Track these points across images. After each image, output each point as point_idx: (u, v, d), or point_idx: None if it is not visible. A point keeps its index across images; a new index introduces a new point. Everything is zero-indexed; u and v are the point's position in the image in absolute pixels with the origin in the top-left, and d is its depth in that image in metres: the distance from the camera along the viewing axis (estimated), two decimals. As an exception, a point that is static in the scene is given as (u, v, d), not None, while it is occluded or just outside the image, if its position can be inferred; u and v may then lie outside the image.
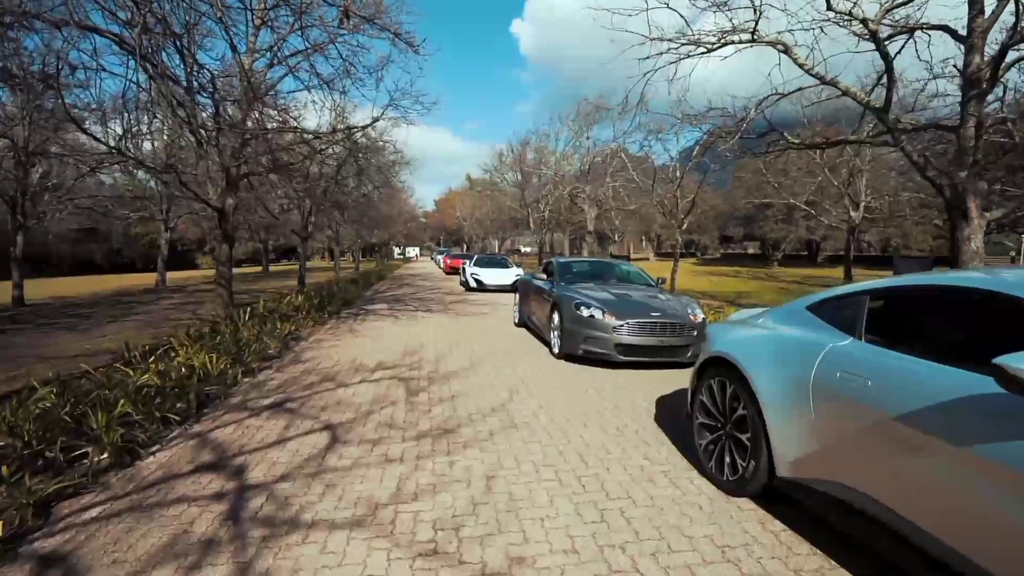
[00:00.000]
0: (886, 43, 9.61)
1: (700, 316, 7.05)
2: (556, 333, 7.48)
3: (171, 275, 36.30)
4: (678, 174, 18.15)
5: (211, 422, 4.92)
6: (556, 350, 7.45)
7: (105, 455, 4.04)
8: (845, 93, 9.62)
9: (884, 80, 10.50)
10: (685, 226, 18.86)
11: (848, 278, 25.05)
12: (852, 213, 24.10)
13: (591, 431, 4.43)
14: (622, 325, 6.57)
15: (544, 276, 9.05)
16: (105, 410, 4.59)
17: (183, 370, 6.33)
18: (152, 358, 6.72)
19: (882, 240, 43.27)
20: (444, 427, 4.56)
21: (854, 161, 23.53)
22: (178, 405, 5.25)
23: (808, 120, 20.97)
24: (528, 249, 73.49)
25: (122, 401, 4.87)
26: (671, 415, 4.91)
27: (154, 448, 4.31)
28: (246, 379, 6.59)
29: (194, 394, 5.44)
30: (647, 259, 60.32)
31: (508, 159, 39.24)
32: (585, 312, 6.86)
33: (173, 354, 7.10)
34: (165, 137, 16.81)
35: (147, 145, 19.78)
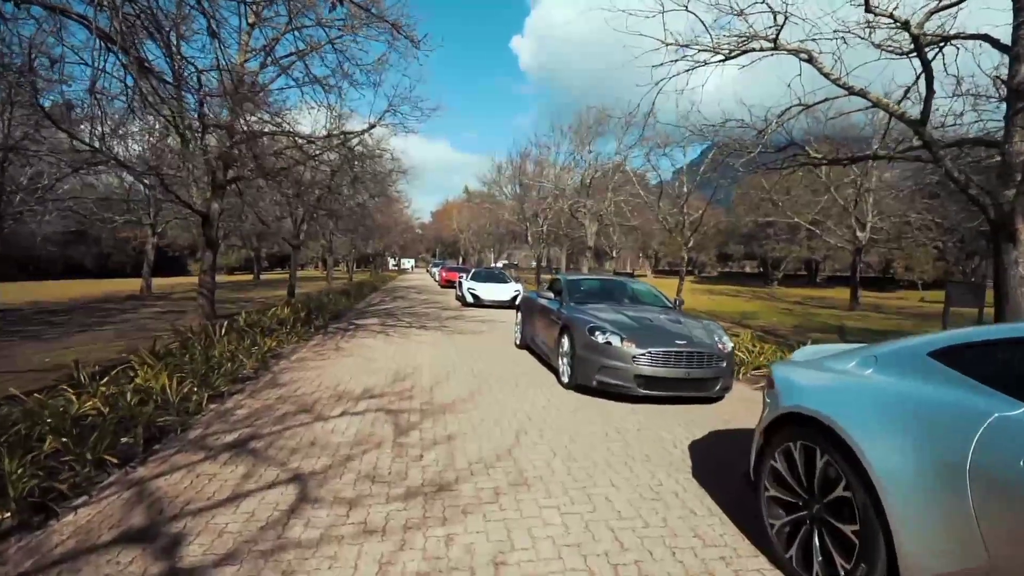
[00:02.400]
0: (909, 53, 9.02)
1: (728, 345, 6.27)
2: (566, 360, 6.67)
3: (159, 281, 35.33)
4: (685, 189, 17.47)
5: (157, 465, 4.07)
6: (565, 379, 6.63)
7: (7, 514, 3.20)
8: (876, 104, 8.96)
9: (911, 92, 9.89)
10: (692, 243, 18.19)
11: (855, 300, 24.38)
12: (859, 234, 23.50)
13: (620, 492, 3.61)
14: (643, 354, 5.77)
15: (550, 294, 8.24)
16: (25, 450, 3.76)
17: (141, 395, 5.52)
18: (105, 379, 5.89)
19: (882, 261, 42.81)
20: (439, 482, 3.73)
21: (861, 181, 22.98)
22: (123, 441, 4.42)
23: (815, 137, 20.46)
24: (515, 262, 72.61)
25: (49, 438, 4.04)
26: (713, 469, 4.10)
27: (79, 501, 3.46)
28: (212, 405, 5.75)
29: (143, 427, 4.60)
30: (645, 276, 59.70)
31: (507, 171, 38.67)
32: (600, 338, 6.05)
33: (132, 374, 6.27)
34: (151, 138, 16.00)
35: (135, 148, 19.01)
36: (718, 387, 6.01)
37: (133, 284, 30.24)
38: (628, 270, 68.73)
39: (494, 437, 4.70)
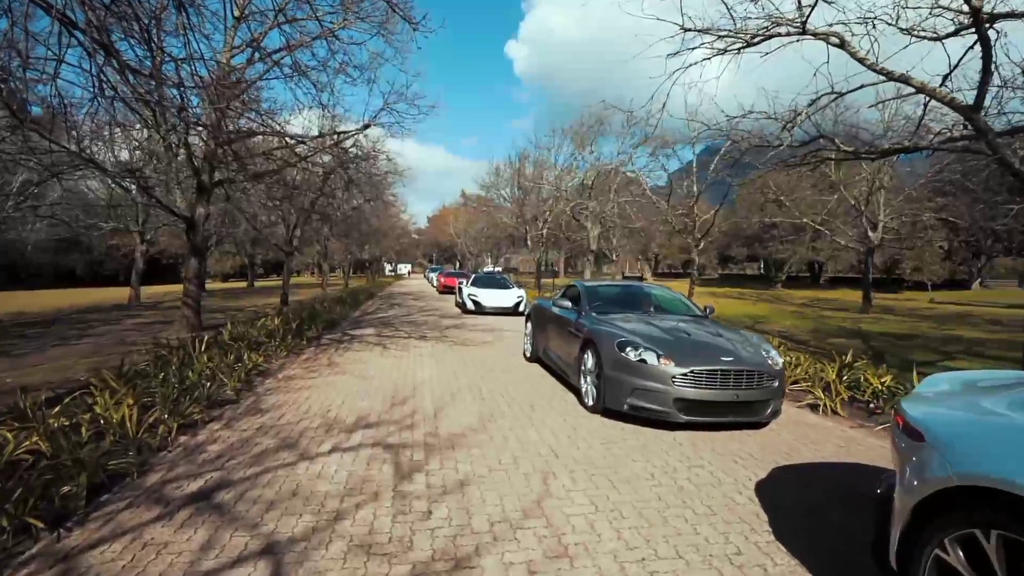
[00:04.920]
0: (951, 35, 8.29)
1: (779, 361, 5.45)
2: (590, 379, 5.83)
3: (151, 289, 34.47)
4: (695, 189, 16.70)
5: (98, 527, 3.24)
6: (590, 401, 5.79)
7: None
8: (920, 90, 8.17)
9: (952, 76, 9.17)
10: (701, 245, 17.41)
11: (867, 302, 23.64)
12: (871, 234, 22.74)
13: (692, 567, 2.77)
14: (685, 374, 4.95)
15: (567, 303, 7.36)
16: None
17: (97, 427, 4.72)
18: (57, 408, 5.06)
19: (887, 262, 42.13)
20: (454, 554, 2.89)
21: (874, 179, 22.23)
22: (64, 491, 3.59)
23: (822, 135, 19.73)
24: (514, 266, 71.72)
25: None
26: (799, 528, 3.26)
27: (-15, 587, 2.63)
28: (183, 438, 4.92)
29: (87, 476, 3.75)
30: (645, 278, 58.93)
31: (506, 174, 37.85)
32: (633, 355, 5.22)
33: (91, 400, 5.43)
34: (133, 139, 15.13)
35: (124, 154, 18.16)
36: (769, 411, 5.19)
37: (123, 292, 29.41)
38: (627, 273, 67.99)
39: (516, 483, 3.85)
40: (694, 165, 19.43)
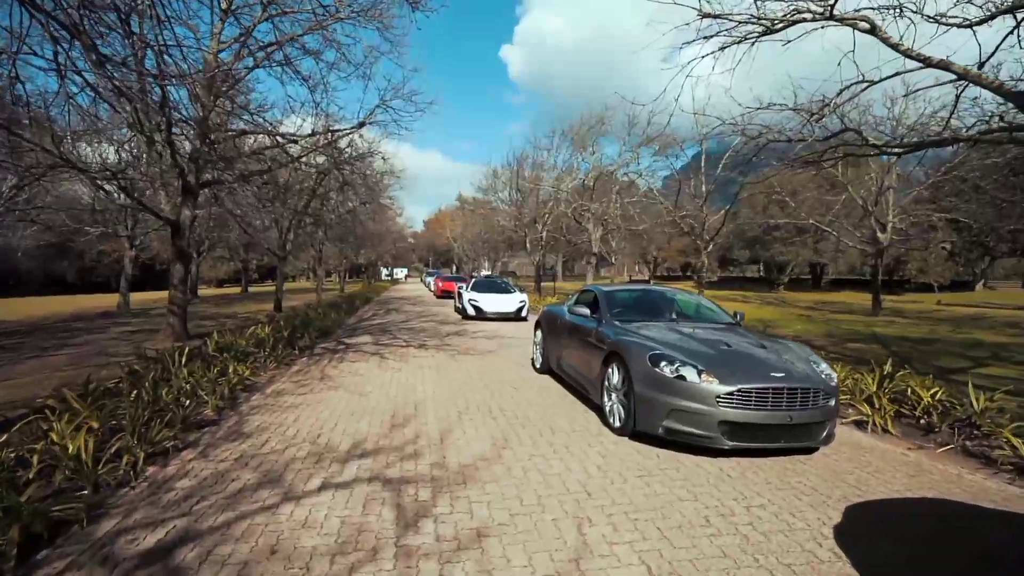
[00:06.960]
0: (986, 21, 7.71)
1: (834, 377, 4.79)
2: (615, 397, 5.15)
3: (142, 296, 33.68)
4: (704, 189, 16.08)
5: (24, 602, 2.55)
6: (616, 423, 5.11)
7: None
8: (963, 77, 7.54)
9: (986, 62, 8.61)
10: (710, 247, 16.77)
11: (877, 304, 23.05)
12: (880, 235, 22.16)
13: (795, 669, 2.12)
14: (731, 393, 4.27)
15: (584, 309, 6.64)
16: None
17: (50, 459, 4.06)
18: (4, 436, 4.37)
19: (891, 263, 41.65)
20: (477, 647, 2.22)
21: (882, 179, 21.69)
22: (-7, 547, 2.92)
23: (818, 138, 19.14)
24: (512, 269, 70.92)
25: None
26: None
27: None
28: (151, 468, 4.25)
29: (19, 528, 3.07)
30: (649, 282, 58.29)
31: (504, 176, 37.17)
32: (669, 370, 4.54)
33: (46, 426, 4.73)
34: (116, 136, 14.41)
35: (111, 157, 17.45)
36: (824, 434, 4.52)
37: (113, 299, 28.66)
38: (626, 276, 67.46)
39: (546, 532, 3.17)
40: (703, 164, 18.78)
